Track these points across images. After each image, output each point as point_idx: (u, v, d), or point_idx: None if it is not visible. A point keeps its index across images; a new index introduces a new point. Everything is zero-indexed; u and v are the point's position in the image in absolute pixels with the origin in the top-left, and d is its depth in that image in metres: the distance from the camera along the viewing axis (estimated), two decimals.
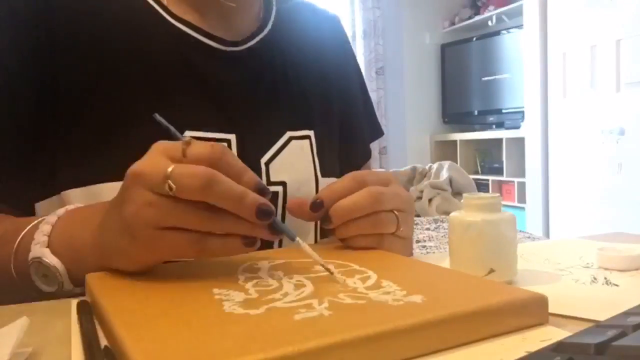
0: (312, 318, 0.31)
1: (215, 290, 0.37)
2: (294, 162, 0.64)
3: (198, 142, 0.40)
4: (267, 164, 0.61)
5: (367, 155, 0.79)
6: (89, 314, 0.37)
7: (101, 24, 0.56)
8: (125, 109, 0.55)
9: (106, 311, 0.33)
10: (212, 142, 0.40)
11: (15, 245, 0.47)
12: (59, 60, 0.54)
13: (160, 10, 0.59)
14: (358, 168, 0.76)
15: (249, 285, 0.38)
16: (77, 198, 0.53)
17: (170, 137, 0.43)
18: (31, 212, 0.55)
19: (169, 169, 0.37)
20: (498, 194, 0.46)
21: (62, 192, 0.54)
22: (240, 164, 0.41)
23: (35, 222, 0.47)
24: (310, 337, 0.28)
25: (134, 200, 0.38)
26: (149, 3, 0.58)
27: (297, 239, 0.42)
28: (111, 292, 0.38)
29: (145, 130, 0.51)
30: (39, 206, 0.56)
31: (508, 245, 0.45)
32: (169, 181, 0.37)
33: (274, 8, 0.69)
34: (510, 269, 0.45)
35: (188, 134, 0.55)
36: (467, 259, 0.45)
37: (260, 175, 0.60)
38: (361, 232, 0.48)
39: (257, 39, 0.65)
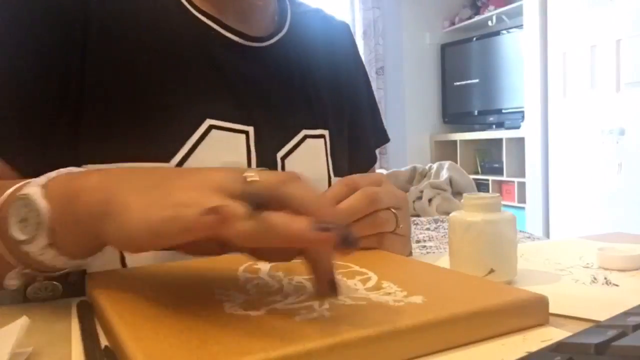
0: (313, 319, 0.31)
1: (216, 291, 0.37)
2: (309, 159, 0.65)
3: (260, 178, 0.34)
4: (282, 159, 0.62)
5: (373, 160, 0.80)
6: (89, 314, 0.37)
7: (129, 14, 0.57)
8: (148, 94, 0.56)
9: (106, 311, 0.33)
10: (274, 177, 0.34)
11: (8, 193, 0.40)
12: (90, 46, 0.54)
13: (185, 3, 0.60)
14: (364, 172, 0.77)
15: (249, 286, 0.38)
16: None
17: None
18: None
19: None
20: (498, 194, 0.47)
21: (84, 166, 0.53)
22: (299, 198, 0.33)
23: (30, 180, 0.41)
24: (311, 337, 0.28)
25: (195, 184, 0.33)
26: (179, 1, 0.60)
27: None
28: (111, 292, 0.38)
29: (166, 115, 0.54)
30: None
31: (508, 246, 0.45)
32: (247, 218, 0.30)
33: (289, 12, 0.71)
34: (510, 269, 0.45)
35: (209, 122, 0.57)
36: (467, 259, 0.45)
37: (275, 168, 0.61)
38: (362, 234, 0.48)
39: (276, 38, 0.66)
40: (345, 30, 0.80)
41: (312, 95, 0.68)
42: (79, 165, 0.51)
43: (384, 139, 0.82)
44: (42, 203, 0.37)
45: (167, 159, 0.54)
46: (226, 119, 0.58)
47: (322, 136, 0.67)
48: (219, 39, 0.61)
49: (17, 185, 0.40)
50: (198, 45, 0.60)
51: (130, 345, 0.28)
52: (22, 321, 0.33)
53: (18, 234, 0.37)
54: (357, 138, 0.76)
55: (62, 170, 0.41)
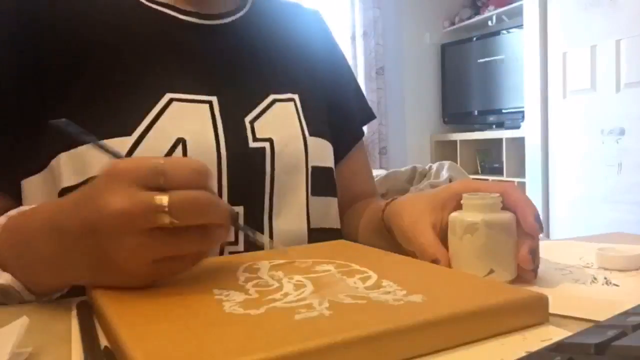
0: (313, 318, 0.31)
1: (216, 291, 0.37)
2: (280, 121, 0.65)
3: (172, 164, 0.38)
4: (251, 122, 0.63)
5: (360, 135, 0.82)
6: (89, 314, 0.37)
7: (81, 10, 0.60)
8: (108, 78, 0.58)
9: (106, 311, 0.33)
10: (185, 163, 0.39)
11: None
12: (43, 41, 0.57)
13: None
14: (350, 147, 0.79)
15: (249, 285, 0.38)
16: (65, 162, 0.55)
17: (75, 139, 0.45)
18: (17, 191, 0.57)
19: (164, 201, 0.35)
20: (498, 194, 0.46)
21: (52, 161, 0.56)
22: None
23: None
24: (310, 337, 0.28)
25: (124, 247, 0.36)
26: None
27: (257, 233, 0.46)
28: (111, 292, 0.38)
29: (125, 92, 0.56)
30: (28, 182, 0.58)
31: (508, 246, 0.45)
32: (168, 213, 0.35)
33: None
34: (509, 270, 0.45)
35: (169, 96, 0.58)
36: (467, 259, 0.45)
37: (245, 132, 0.62)
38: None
39: (236, 16, 0.69)
40: (317, 16, 0.82)
41: (279, 62, 0.70)
42: (44, 159, 0.56)
43: (370, 115, 0.84)
44: (7, 278, 0.43)
45: (128, 132, 0.55)
46: (187, 91, 0.60)
47: (291, 99, 0.68)
48: (175, 22, 0.64)
49: None
50: (154, 31, 0.62)
51: (130, 346, 0.28)
52: (22, 321, 0.33)
53: (9, 301, 0.44)
54: (341, 112, 0.77)
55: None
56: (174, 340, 0.28)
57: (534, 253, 0.44)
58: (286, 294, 0.35)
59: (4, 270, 0.44)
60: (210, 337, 0.29)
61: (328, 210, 0.70)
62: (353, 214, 0.74)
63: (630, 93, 2.55)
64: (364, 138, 0.83)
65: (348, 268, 0.42)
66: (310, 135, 0.68)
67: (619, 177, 2.61)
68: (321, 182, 0.69)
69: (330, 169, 0.71)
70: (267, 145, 0.63)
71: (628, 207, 2.56)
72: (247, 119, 0.63)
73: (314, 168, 0.67)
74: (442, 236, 0.48)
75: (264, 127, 0.63)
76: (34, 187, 0.57)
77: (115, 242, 0.36)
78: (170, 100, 0.58)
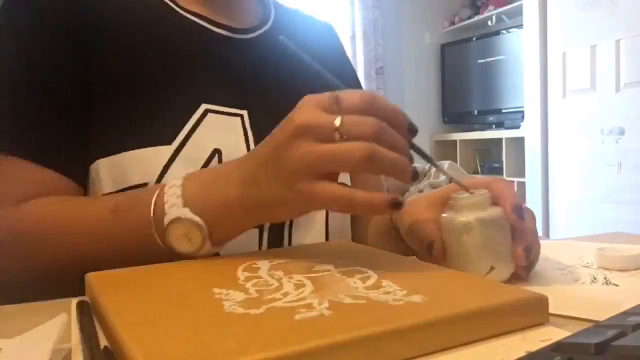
0: (313, 318, 0.31)
1: (216, 290, 0.37)
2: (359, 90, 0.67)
3: (347, 93, 0.42)
4: None
5: None
6: (88, 314, 0.37)
7: (124, 18, 0.61)
8: (146, 87, 0.59)
9: (106, 311, 0.33)
10: (359, 91, 0.43)
11: (152, 210, 0.47)
12: (90, 47, 0.58)
13: (174, 6, 0.65)
14: None
15: (249, 285, 0.38)
16: (104, 168, 0.56)
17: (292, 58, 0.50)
18: (84, 182, 0.58)
19: (337, 121, 0.40)
20: (485, 190, 0.46)
21: (92, 165, 0.57)
22: (390, 106, 0.43)
23: (161, 188, 0.48)
24: (310, 337, 0.28)
25: (298, 150, 0.41)
26: (164, 1, 0.65)
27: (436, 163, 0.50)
28: (111, 292, 0.38)
29: (163, 103, 0.58)
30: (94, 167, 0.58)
31: (504, 241, 0.45)
32: (341, 130, 0.40)
33: (273, 9, 0.75)
34: (509, 264, 0.45)
35: (204, 107, 0.60)
36: (467, 259, 0.45)
37: None
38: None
39: (261, 31, 0.71)
40: (331, 30, 0.84)
41: (301, 80, 0.70)
42: (91, 162, 0.57)
43: None
44: (196, 217, 0.45)
45: (168, 142, 0.56)
46: (221, 104, 0.61)
47: None
48: (207, 34, 0.65)
49: (155, 198, 0.48)
50: (188, 41, 0.63)
51: (130, 346, 0.28)
52: (62, 318, 0.34)
53: (186, 248, 0.46)
54: None
55: (176, 182, 0.48)
56: (173, 340, 0.28)
57: (529, 251, 0.45)
58: (286, 294, 0.35)
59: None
60: (210, 336, 0.29)
61: (344, 225, 0.71)
62: (362, 219, 0.75)
63: (630, 93, 2.55)
64: None
65: (348, 268, 0.42)
66: None
67: (619, 177, 2.61)
68: None
69: (345, 184, 0.72)
70: None
71: (628, 207, 2.56)
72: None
73: None
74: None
75: None
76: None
77: (291, 146, 0.41)
78: (206, 112, 0.59)
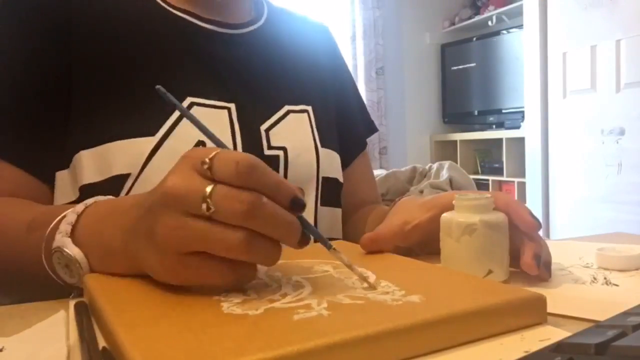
0: (311, 318, 0.31)
1: (214, 291, 0.37)
2: (294, 131, 0.67)
3: (223, 155, 0.35)
4: (267, 130, 0.65)
5: (363, 146, 0.84)
6: (86, 315, 0.36)
7: (109, 12, 0.62)
8: (131, 80, 0.59)
9: (104, 312, 0.33)
10: (237, 155, 0.36)
11: (47, 233, 0.46)
12: (75, 42, 0.59)
13: (163, 4, 0.65)
14: (354, 157, 0.81)
15: (247, 285, 0.38)
16: (87, 159, 0.56)
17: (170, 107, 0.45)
18: (53, 182, 0.59)
19: (208, 190, 0.34)
20: (489, 195, 0.46)
21: (74, 156, 0.57)
22: (272, 178, 0.36)
23: (66, 211, 0.46)
24: (309, 337, 0.28)
25: (165, 224, 0.35)
26: (153, 0, 0.65)
27: (333, 247, 0.39)
28: (109, 293, 0.37)
29: (148, 95, 0.55)
30: (60, 175, 0.59)
31: (503, 246, 0.45)
32: (208, 201, 0.34)
33: (266, 7, 0.76)
34: (505, 269, 0.45)
35: (190, 100, 0.60)
36: (466, 260, 0.45)
37: (260, 140, 0.63)
38: None
39: (254, 27, 0.71)
40: (325, 31, 0.84)
41: (293, 74, 0.72)
42: (70, 154, 0.57)
43: (373, 129, 0.87)
44: (74, 250, 0.43)
45: (151, 133, 0.57)
46: (207, 97, 0.61)
47: (304, 111, 0.70)
48: (197, 29, 0.65)
49: (55, 221, 0.45)
50: (177, 36, 0.63)
51: (128, 346, 0.28)
52: (62, 315, 0.35)
53: (67, 278, 0.44)
54: (346, 125, 0.79)
55: (78, 208, 0.45)
56: (172, 341, 0.28)
57: (538, 258, 0.43)
58: (285, 295, 0.35)
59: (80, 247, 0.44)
60: (209, 337, 0.29)
61: (333, 221, 0.72)
62: (359, 220, 0.75)
63: (630, 93, 2.55)
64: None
65: (346, 268, 0.42)
66: (322, 146, 0.69)
67: (619, 177, 2.61)
68: (329, 192, 0.70)
69: (337, 180, 0.72)
70: (281, 153, 0.64)
71: (628, 207, 2.56)
72: (263, 127, 0.64)
73: (324, 179, 0.69)
74: (429, 236, 0.49)
75: (278, 136, 0.65)
76: (64, 181, 0.58)
77: (157, 218, 0.36)
78: (191, 104, 0.60)
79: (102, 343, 0.32)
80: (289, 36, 0.76)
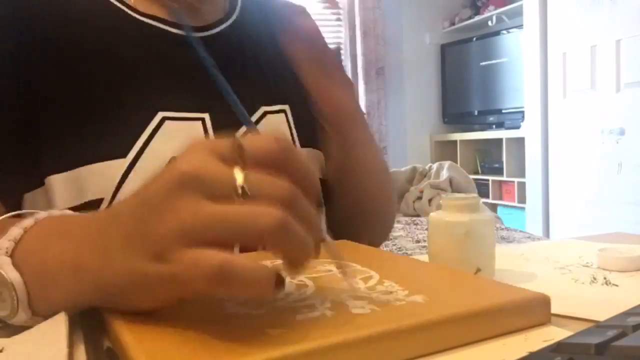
0: (314, 318, 0.31)
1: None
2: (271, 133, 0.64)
3: (252, 139, 0.32)
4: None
5: None
6: (90, 315, 0.37)
7: (72, 26, 0.57)
8: (97, 97, 0.55)
9: (108, 312, 0.34)
10: (267, 136, 0.32)
11: None
12: (37, 59, 0.55)
13: (125, 9, 0.60)
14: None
15: None
16: (59, 183, 0.53)
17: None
18: (19, 205, 0.55)
19: (239, 176, 0.29)
20: (476, 194, 0.47)
21: (46, 179, 0.54)
22: (305, 165, 0.33)
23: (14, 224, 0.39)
24: (312, 337, 0.28)
25: (176, 208, 0.29)
26: (113, 4, 0.60)
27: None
28: None
29: (116, 114, 0.54)
30: (29, 196, 0.55)
31: (491, 244, 0.46)
32: (244, 186, 0.29)
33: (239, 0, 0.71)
34: (492, 268, 0.46)
35: (161, 115, 0.56)
36: (455, 260, 0.45)
37: None
38: None
39: (225, 25, 0.66)
40: (303, 13, 0.78)
41: (269, 72, 0.68)
42: (41, 176, 0.53)
43: None
44: (12, 274, 0.35)
45: (122, 155, 0.53)
46: (179, 110, 0.58)
47: (282, 111, 0.67)
48: (164, 35, 0.61)
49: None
50: (142, 46, 0.59)
51: (132, 346, 0.28)
52: (63, 316, 0.34)
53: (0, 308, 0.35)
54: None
55: (26, 223, 0.38)
56: (175, 340, 0.28)
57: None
58: (288, 294, 0.36)
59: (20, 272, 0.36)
60: (212, 336, 0.29)
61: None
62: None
63: (630, 93, 2.55)
64: None
65: (350, 268, 0.42)
66: (302, 146, 0.67)
67: (619, 177, 2.61)
68: None
69: (320, 180, 0.70)
70: None
71: (628, 207, 2.56)
72: (239, 135, 0.62)
73: None
74: None
75: None
76: (34, 203, 0.54)
77: (169, 202, 0.29)
78: (163, 119, 0.57)
79: (106, 343, 0.32)
80: (266, 27, 0.72)
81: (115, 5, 0.60)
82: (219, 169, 0.30)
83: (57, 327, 0.33)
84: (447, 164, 2.81)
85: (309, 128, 0.70)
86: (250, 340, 0.28)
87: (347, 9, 3.82)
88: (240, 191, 0.29)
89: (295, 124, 0.68)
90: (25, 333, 0.34)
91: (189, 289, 0.30)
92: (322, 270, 0.42)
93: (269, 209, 0.28)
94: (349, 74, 3.78)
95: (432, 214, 0.48)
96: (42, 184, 0.55)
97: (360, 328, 0.29)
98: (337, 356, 0.27)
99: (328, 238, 0.37)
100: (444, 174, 2.72)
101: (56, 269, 0.34)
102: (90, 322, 0.35)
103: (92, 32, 0.58)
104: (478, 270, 0.45)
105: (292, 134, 0.67)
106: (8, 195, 0.54)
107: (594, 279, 0.45)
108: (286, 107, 0.68)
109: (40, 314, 0.35)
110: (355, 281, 0.38)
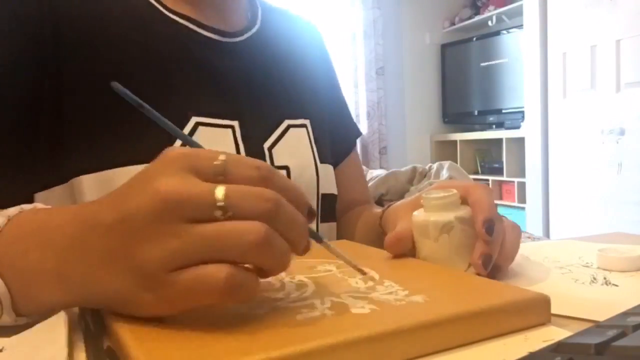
0: (314, 318, 0.31)
1: None
2: (295, 148, 0.66)
3: (236, 157, 0.32)
4: (269, 149, 0.63)
5: (349, 150, 0.82)
6: (90, 315, 0.37)
7: (105, 23, 0.57)
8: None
9: (108, 312, 0.34)
10: (253, 160, 0.32)
11: None
12: (65, 55, 0.54)
13: (160, 7, 0.61)
14: (343, 159, 0.79)
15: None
16: (90, 184, 0.53)
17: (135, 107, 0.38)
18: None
19: (219, 192, 0.29)
20: (455, 190, 0.46)
21: (73, 180, 0.53)
22: (289, 183, 0.34)
23: None
24: (312, 337, 0.28)
25: (158, 243, 0.29)
26: (149, 2, 0.61)
27: (325, 239, 0.38)
28: None
29: (149, 119, 0.52)
30: (42, 195, 0.55)
31: (474, 240, 0.45)
32: (222, 205, 0.29)
33: (260, 9, 0.73)
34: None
35: (195, 120, 0.57)
36: (446, 259, 0.45)
37: (264, 159, 0.62)
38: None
39: (250, 33, 0.68)
40: (314, 30, 0.82)
41: (290, 85, 0.70)
42: (69, 172, 0.53)
43: (357, 131, 0.86)
44: None
45: (155, 158, 0.53)
46: (211, 115, 0.59)
47: (303, 125, 0.68)
48: (196, 37, 0.62)
49: None
50: (175, 44, 0.60)
51: (133, 346, 0.28)
52: (63, 316, 0.34)
53: None
54: (335, 128, 0.78)
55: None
56: (176, 340, 0.29)
57: (487, 258, 0.43)
58: (288, 294, 0.36)
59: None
60: (212, 337, 0.29)
61: (331, 235, 0.71)
62: (348, 221, 0.75)
63: (630, 93, 2.55)
64: (365, 138, 0.84)
65: (350, 268, 0.42)
66: (321, 162, 0.69)
67: (619, 177, 2.61)
68: (328, 208, 0.70)
69: (334, 195, 0.71)
70: (284, 173, 0.63)
71: (628, 207, 2.56)
72: (266, 146, 0.63)
73: (323, 195, 0.68)
74: None
75: (280, 154, 0.64)
76: (49, 200, 0.54)
77: (149, 236, 0.29)
78: (197, 125, 0.57)
79: (106, 342, 0.32)
80: (284, 40, 0.73)
81: (151, 4, 0.60)
82: (198, 188, 0.29)
83: (57, 327, 0.33)
84: (447, 164, 2.81)
85: (324, 143, 0.72)
86: (250, 340, 0.28)
87: (348, 9, 3.81)
88: (221, 210, 0.29)
89: (314, 139, 0.69)
90: (25, 333, 0.34)
91: (196, 304, 0.30)
92: (322, 270, 0.42)
93: (251, 225, 0.29)
94: (349, 74, 3.78)
95: (414, 214, 0.47)
96: (62, 181, 0.54)
97: (360, 328, 0.29)
98: (337, 356, 0.27)
99: (326, 240, 0.38)
100: (444, 174, 2.72)
101: (38, 274, 0.34)
102: (90, 322, 0.35)
103: (127, 30, 0.58)
104: (468, 266, 0.44)
105: (312, 150, 0.68)
106: (15, 198, 0.52)
107: (594, 279, 0.45)
108: (307, 121, 0.69)
109: (25, 315, 0.35)
110: (360, 278, 0.38)
